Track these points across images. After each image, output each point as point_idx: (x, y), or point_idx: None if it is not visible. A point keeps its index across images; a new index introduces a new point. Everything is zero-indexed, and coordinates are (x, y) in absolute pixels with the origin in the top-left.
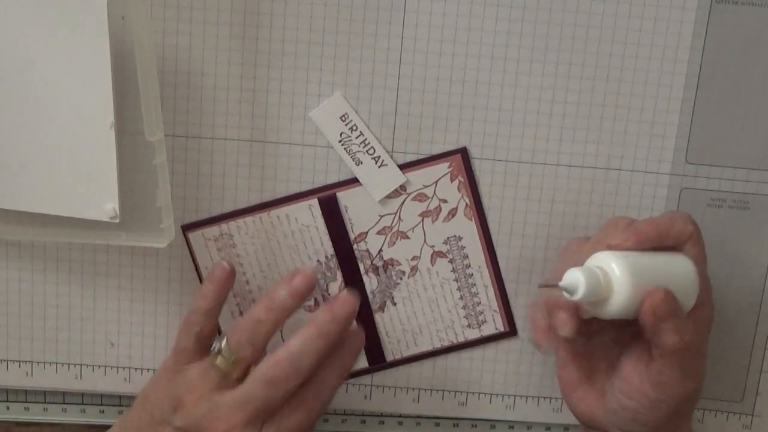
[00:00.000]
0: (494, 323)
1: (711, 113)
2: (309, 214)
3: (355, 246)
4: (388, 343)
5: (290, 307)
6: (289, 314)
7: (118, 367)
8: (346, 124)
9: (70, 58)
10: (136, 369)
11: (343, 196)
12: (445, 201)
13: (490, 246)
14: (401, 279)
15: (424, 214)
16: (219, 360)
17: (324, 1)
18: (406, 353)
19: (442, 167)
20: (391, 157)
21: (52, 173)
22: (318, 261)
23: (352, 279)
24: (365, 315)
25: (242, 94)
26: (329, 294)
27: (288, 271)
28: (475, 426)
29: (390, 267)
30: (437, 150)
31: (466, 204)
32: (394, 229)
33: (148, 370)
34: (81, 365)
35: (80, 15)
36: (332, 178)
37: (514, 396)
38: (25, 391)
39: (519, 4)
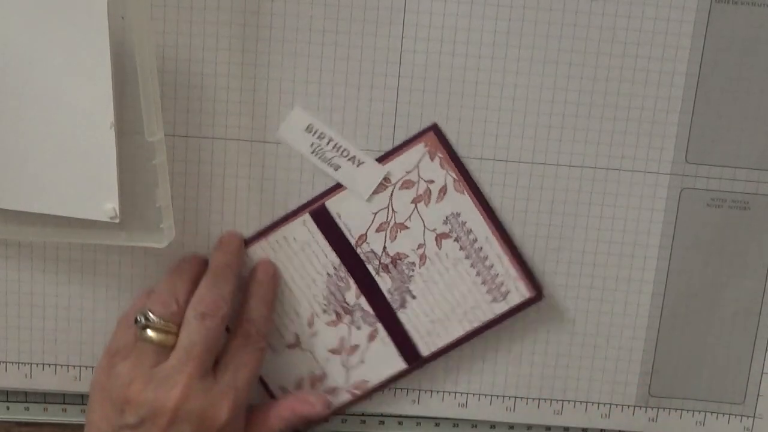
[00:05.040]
0: (518, 291)
1: (711, 113)
2: (305, 231)
3: (358, 249)
4: (420, 339)
5: (196, 260)
6: (202, 266)
7: None
8: (313, 134)
9: (70, 58)
10: None
11: (332, 204)
12: (431, 181)
13: (490, 214)
14: (413, 270)
15: (416, 200)
16: (148, 331)
17: (324, 1)
18: (441, 344)
19: (419, 149)
20: (366, 153)
21: (52, 173)
22: (328, 274)
23: (365, 282)
24: (388, 316)
25: (242, 94)
26: (347, 303)
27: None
28: (475, 427)
29: (399, 261)
30: None
31: (454, 178)
32: (392, 223)
33: None
34: (80, 366)
35: (80, 15)
36: (328, 183)
37: (515, 397)
38: (25, 391)
39: (519, 4)
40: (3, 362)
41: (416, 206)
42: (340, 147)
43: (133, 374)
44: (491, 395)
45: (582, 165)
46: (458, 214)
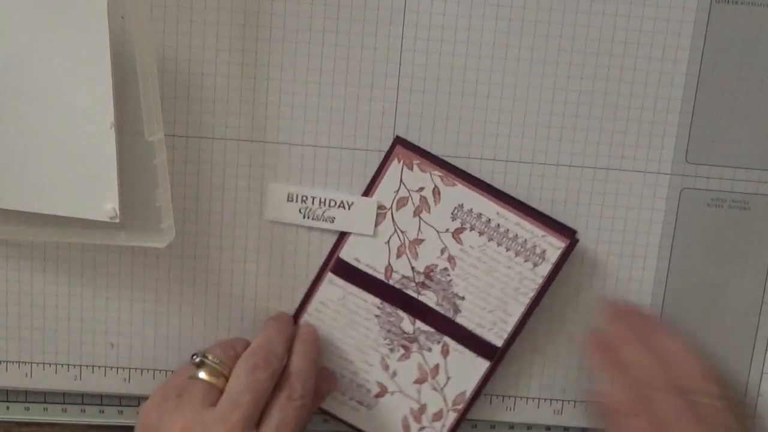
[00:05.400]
0: (552, 246)
1: (711, 113)
2: (336, 288)
3: (390, 281)
4: (488, 332)
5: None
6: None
7: (117, 368)
8: (296, 201)
9: (70, 58)
10: (136, 369)
11: (346, 253)
12: (422, 188)
13: (489, 189)
14: (449, 275)
15: (416, 212)
16: (203, 372)
17: (324, 1)
18: (509, 328)
19: (395, 166)
20: (351, 194)
21: (52, 173)
22: (376, 316)
23: (413, 307)
24: (449, 326)
25: (242, 94)
26: (407, 333)
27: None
28: (475, 426)
29: (432, 274)
30: (437, 150)
31: (440, 176)
32: (407, 243)
33: (148, 370)
34: (81, 366)
35: (80, 15)
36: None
37: (515, 397)
38: (25, 391)
39: (519, 4)
40: (3, 361)
41: (420, 217)
42: (325, 200)
43: (179, 414)
44: (491, 395)
45: (582, 165)
46: (461, 205)
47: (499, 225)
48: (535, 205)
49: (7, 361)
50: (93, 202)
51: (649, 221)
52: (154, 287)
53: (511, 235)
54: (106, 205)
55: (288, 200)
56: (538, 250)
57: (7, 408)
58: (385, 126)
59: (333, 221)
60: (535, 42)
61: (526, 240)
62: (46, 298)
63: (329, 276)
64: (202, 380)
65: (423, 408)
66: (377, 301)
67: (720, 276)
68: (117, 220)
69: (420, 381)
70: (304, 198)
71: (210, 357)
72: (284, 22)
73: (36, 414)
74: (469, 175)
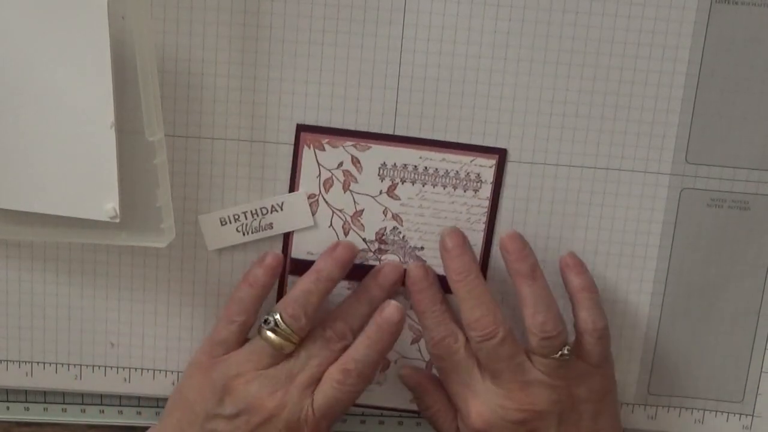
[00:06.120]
0: (484, 166)
1: (711, 113)
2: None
3: None
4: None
5: (337, 276)
6: (335, 283)
7: (118, 367)
8: (230, 222)
9: (70, 58)
10: (136, 369)
11: (297, 250)
12: (340, 164)
13: (403, 140)
14: (400, 233)
15: (345, 187)
16: (271, 334)
17: (324, 1)
18: (476, 258)
19: (308, 153)
20: (277, 196)
21: (52, 173)
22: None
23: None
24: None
25: (242, 94)
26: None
27: (330, 244)
28: None
29: (384, 237)
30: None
31: (352, 145)
32: (348, 219)
33: (148, 370)
34: (81, 365)
35: (80, 15)
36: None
37: None
38: (25, 391)
39: (519, 4)
40: (4, 361)
41: (350, 190)
42: (256, 210)
43: (242, 368)
44: None
45: (582, 165)
46: (384, 164)
47: (426, 168)
48: (535, 205)
49: (7, 361)
50: (93, 202)
51: (649, 221)
52: (154, 287)
53: (441, 172)
54: (106, 205)
55: (222, 224)
56: (472, 176)
57: (7, 408)
58: (385, 126)
59: (273, 226)
60: (535, 42)
61: (457, 171)
62: (46, 298)
63: (290, 279)
64: (271, 343)
65: (429, 364)
66: (345, 283)
67: (720, 276)
68: (117, 220)
69: (416, 340)
70: (236, 216)
71: (282, 325)
72: (284, 22)
73: (36, 414)
74: (378, 133)
